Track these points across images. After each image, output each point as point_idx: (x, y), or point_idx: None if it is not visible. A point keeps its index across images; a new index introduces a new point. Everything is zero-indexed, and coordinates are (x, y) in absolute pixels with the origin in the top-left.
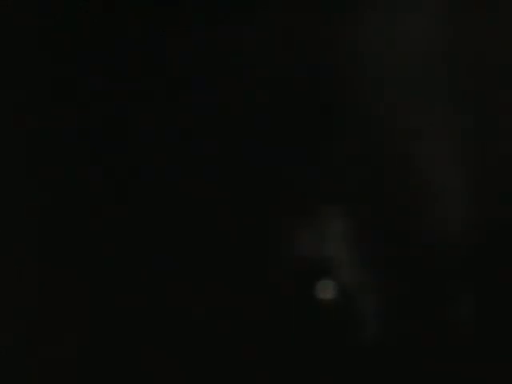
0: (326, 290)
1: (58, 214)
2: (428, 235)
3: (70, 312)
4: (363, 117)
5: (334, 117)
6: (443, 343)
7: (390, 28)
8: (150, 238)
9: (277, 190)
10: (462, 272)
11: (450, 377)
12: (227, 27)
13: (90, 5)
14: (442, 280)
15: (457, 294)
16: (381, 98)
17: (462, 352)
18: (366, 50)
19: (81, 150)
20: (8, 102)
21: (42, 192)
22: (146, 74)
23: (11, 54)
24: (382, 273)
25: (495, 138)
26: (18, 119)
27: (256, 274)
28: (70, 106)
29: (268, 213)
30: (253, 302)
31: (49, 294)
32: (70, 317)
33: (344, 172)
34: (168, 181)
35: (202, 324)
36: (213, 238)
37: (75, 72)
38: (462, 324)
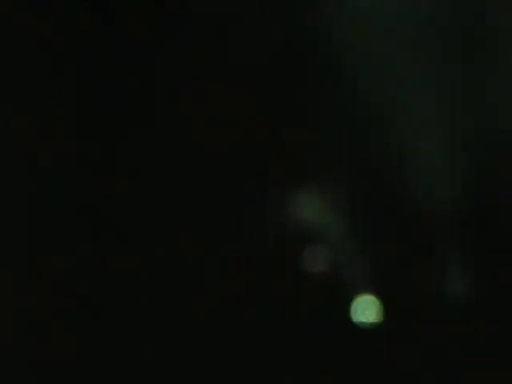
0: (315, 262)
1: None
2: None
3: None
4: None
5: (321, 76)
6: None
7: None
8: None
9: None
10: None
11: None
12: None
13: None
14: (433, 248)
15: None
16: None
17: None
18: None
19: (80, 151)
20: (8, 102)
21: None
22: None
23: (11, 53)
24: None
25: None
26: (18, 119)
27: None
28: (70, 105)
29: (257, 182)
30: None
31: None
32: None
33: (331, 139)
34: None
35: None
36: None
37: (75, 72)
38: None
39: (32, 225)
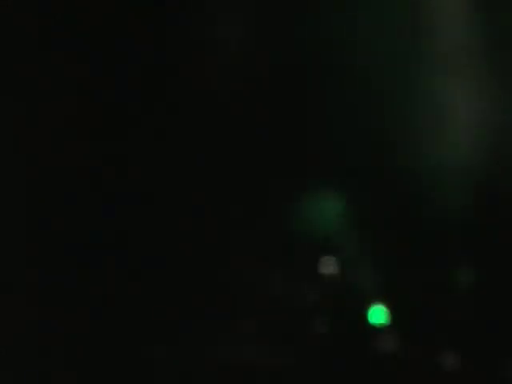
0: (328, 265)
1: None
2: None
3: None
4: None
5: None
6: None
7: None
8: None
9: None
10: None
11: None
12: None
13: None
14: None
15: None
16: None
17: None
18: None
19: (81, 151)
20: (7, 102)
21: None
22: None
23: (11, 53)
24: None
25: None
26: (19, 120)
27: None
28: (70, 104)
29: (267, 188)
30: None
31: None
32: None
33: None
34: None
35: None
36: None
37: (76, 71)
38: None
39: (31, 225)
